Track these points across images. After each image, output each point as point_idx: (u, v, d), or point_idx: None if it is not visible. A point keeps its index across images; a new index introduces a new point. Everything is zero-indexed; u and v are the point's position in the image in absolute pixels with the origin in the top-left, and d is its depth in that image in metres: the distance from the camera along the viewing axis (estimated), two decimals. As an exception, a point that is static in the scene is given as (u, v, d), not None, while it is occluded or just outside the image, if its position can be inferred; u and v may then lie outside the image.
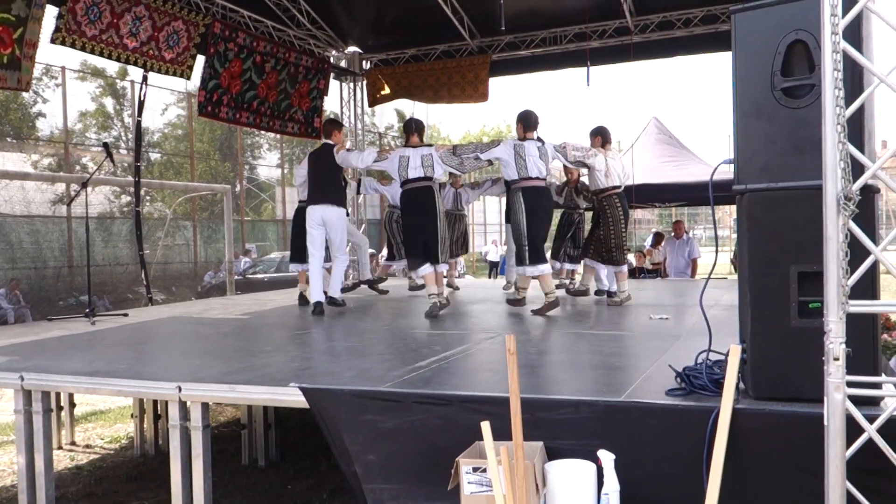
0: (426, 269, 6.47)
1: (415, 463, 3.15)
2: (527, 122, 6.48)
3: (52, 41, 7.06)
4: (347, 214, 7.44)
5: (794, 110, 2.77)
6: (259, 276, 17.35)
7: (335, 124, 7.50)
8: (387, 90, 12.05)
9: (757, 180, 2.83)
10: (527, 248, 6.31)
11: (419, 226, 6.52)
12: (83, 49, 7.38)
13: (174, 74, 8.55)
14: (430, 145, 6.67)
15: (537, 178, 6.32)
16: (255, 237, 21.95)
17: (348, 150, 7.11)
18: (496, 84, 11.59)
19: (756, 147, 2.85)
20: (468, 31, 11.11)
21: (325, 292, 7.05)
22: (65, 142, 15.85)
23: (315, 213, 7.02)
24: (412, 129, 6.72)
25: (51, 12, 7.05)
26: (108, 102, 19.06)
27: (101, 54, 7.60)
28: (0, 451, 6.07)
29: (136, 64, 8.04)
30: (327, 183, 7.07)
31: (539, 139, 6.50)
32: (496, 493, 2.66)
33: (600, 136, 7.00)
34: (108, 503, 4.90)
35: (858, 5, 2.38)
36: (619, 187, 6.87)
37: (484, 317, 6.57)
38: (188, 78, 8.88)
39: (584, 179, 7.58)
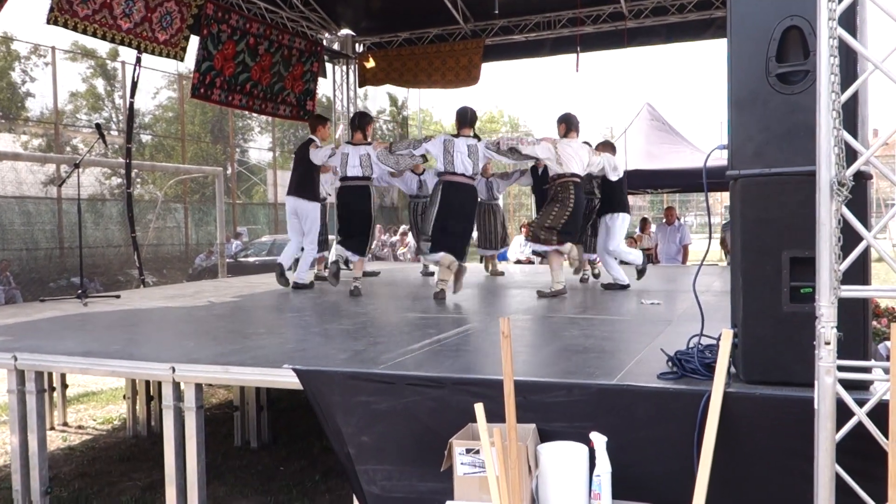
0: (355, 257, 6.92)
1: (408, 444, 3.17)
2: (462, 119, 6.50)
3: (48, 22, 7.01)
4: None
5: (789, 96, 2.77)
6: (250, 259, 17.31)
7: (319, 119, 7.78)
8: (379, 73, 12.02)
9: (750, 166, 2.84)
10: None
11: (351, 223, 6.93)
12: (76, 29, 7.34)
13: (167, 56, 8.50)
14: (369, 143, 6.84)
15: (462, 175, 6.34)
16: (247, 220, 21.90)
17: (317, 146, 7.37)
18: (490, 69, 11.59)
19: (750, 132, 2.86)
20: (461, 15, 11.08)
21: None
22: (55, 122, 15.75)
23: (289, 204, 7.51)
24: (355, 126, 6.95)
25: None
26: (99, 83, 18.94)
27: (94, 35, 7.55)
28: (-8, 431, 6.07)
29: (129, 45, 7.99)
30: (301, 176, 7.44)
31: (475, 136, 6.51)
32: (489, 474, 2.68)
33: (564, 124, 6.76)
34: (101, 483, 4.91)
35: (855, -8, 2.39)
36: (576, 175, 6.54)
37: (477, 301, 6.59)
38: (181, 59, 8.83)
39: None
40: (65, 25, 7.16)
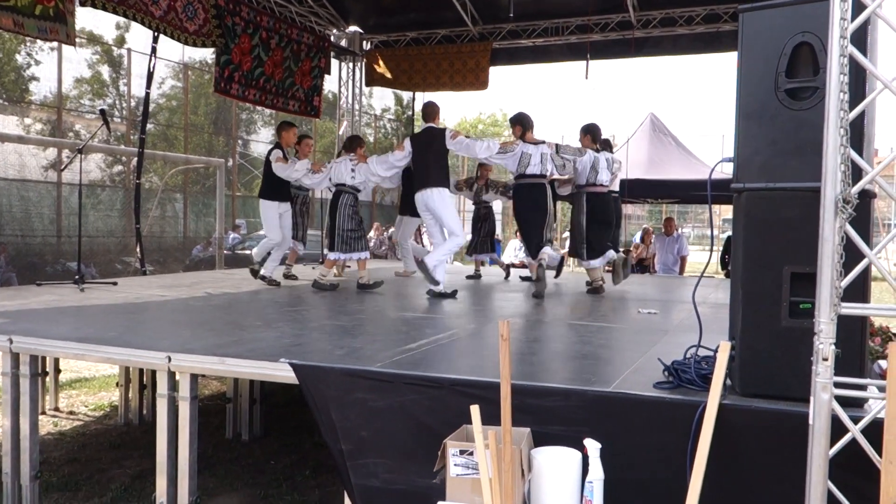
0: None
1: (405, 442, 3.17)
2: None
3: (82, 4, 6.96)
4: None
5: (797, 112, 2.78)
6: (247, 251, 17.27)
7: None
8: (386, 73, 12.03)
9: (756, 179, 2.85)
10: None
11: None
12: (115, 12, 7.34)
13: (203, 45, 8.58)
14: (542, 142, 7.08)
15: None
16: (246, 213, 21.83)
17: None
18: (495, 72, 11.59)
19: (756, 147, 2.87)
20: (470, 17, 11.10)
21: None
22: (58, 107, 15.71)
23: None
24: (529, 126, 7.13)
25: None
26: (105, 70, 18.89)
27: (132, 18, 7.57)
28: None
29: (164, 33, 8.06)
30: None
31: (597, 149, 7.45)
32: (482, 476, 2.68)
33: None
34: (90, 470, 4.90)
35: (867, 10, 2.39)
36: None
37: (477, 303, 6.59)
38: (220, 48, 8.87)
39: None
40: (103, 8, 7.09)
